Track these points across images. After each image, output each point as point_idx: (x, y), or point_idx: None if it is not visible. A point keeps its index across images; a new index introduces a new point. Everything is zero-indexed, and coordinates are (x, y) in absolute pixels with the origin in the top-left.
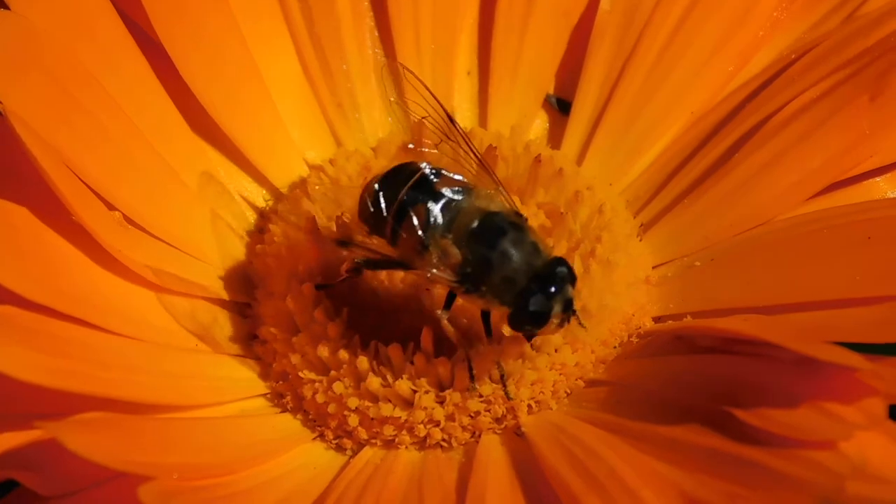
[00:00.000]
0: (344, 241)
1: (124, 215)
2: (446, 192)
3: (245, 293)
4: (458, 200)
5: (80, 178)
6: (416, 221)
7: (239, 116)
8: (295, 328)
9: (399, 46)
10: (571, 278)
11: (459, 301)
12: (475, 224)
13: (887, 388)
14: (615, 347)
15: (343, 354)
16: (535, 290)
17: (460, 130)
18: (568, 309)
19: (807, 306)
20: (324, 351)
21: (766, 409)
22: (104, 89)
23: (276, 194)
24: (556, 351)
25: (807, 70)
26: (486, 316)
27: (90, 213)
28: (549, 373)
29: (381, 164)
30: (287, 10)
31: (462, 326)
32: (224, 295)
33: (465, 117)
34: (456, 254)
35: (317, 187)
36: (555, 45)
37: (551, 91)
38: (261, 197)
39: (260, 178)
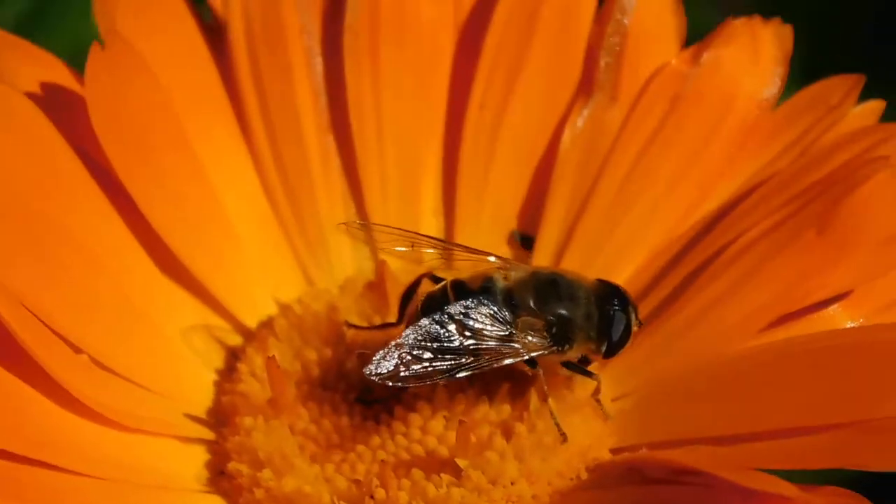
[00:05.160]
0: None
1: (91, 357)
2: (482, 285)
3: (214, 430)
4: (495, 285)
5: (43, 323)
6: (488, 323)
7: (207, 259)
8: (260, 464)
9: (366, 191)
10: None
11: None
12: (532, 290)
13: None
14: (571, 479)
15: (306, 489)
16: (610, 311)
17: (438, 238)
18: (635, 311)
19: (758, 436)
20: (287, 486)
21: None
22: (69, 232)
23: (246, 333)
24: (512, 484)
25: (758, 204)
26: (572, 366)
27: (52, 356)
28: None
29: (346, 302)
30: (260, 161)
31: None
32: (192, 432)
33: (433, 257)
34: (538, 322)
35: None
36: (518, 182)
37: (515, 227)
38: (230, 335)
39: (229, 318)
